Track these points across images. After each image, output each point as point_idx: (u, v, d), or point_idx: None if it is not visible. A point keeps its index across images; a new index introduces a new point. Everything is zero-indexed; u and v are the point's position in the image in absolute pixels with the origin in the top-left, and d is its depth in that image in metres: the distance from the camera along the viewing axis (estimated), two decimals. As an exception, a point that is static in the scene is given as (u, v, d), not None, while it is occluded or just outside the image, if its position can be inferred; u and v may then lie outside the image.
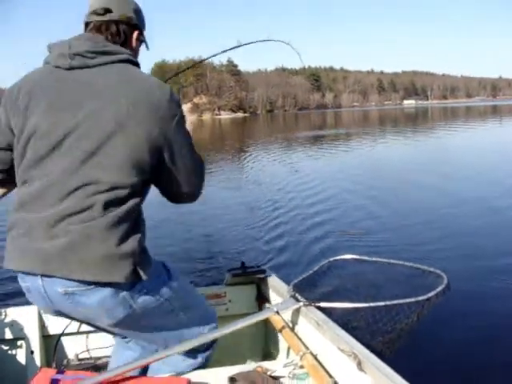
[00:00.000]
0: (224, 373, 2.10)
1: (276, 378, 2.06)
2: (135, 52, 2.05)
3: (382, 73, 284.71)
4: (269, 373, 2.10)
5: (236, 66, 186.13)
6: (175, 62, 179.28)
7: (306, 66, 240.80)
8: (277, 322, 2.49)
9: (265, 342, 3.00)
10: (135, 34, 2.02)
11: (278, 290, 2.75)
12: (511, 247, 6.28)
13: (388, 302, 2.41)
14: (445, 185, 11.11)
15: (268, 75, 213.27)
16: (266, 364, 2.20)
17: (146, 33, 2.13)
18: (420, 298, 2.47)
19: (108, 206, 1.73)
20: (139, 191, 1.82)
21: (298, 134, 34.60)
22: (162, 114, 1.80)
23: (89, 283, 1.74)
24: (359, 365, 1.92)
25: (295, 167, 15.39)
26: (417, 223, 7.65)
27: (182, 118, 1.89)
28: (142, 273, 1.82)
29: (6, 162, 1.95)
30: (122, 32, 1.95)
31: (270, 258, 6.14)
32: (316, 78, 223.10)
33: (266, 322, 2.41)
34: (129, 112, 1.74)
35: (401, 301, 2.45)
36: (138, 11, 2.03)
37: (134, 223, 1.81)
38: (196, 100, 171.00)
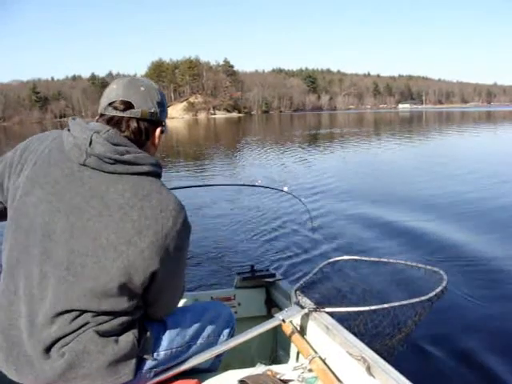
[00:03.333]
0: (234, 376, 2.11)
1: (285, 382, 2.06)
2: (156, 148, 1.89)
3: (378, 76, 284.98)
4: (278, 376, 2.10)
5: (232, 66, 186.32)
6: (172, 61, 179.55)
7: (303, 68, 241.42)
8: (285, 326, 2.50)
9: (274, 346, 3.00)
10: (158, 130, 1.84)
11: (286, 293, 2.77)
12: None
13: (391, 304, 2.43)
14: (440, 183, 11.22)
15: (264, 76, 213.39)
16: (276, 368, 2.21)
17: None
18: (422, 298, 2.48)
19: (98, 322, 1.68)
20: (132, 306, 1.74)
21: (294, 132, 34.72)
22: (168, 245, 1.67)
23: None
24: (368, 369, 1.93)
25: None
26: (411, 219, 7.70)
27: (186, 247, 1.79)
28: (146, 355, 1.83)
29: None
30: (143, 130, 1.77)
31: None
32: (312, 79, 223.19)
33: (275, 327, 2.43)
34: (132, 240, 1.61)
35: (403, 302, 2.46)
36: (161, 103, 1.82)
37: (129, 321, 1.76)
38: (191, 99, 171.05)
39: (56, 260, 1.63)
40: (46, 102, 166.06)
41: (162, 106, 1.83)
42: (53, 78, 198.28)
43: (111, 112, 1.73)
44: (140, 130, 1.76)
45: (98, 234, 1.61)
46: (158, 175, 1.75)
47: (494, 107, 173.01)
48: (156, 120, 1.80)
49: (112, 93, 1.76)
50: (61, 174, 1.66)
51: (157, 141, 1.85)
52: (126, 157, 1.65)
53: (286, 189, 3.84)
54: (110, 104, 1.74)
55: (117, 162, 1.64)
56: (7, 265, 1.71)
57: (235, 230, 7.40)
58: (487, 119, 57.25)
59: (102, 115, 1.76)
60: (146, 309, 1.86)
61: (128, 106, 1.73)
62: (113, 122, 1.73)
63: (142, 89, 1.77)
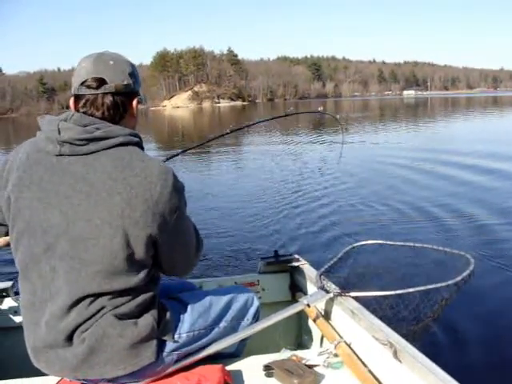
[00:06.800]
0: (259, 361, 2.11)
1: (311, 367, 2.06)
2: (135, 119, 1.86)
3: (383, 63, 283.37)
4: (303, 361, 2.10)
5: (236, 55, 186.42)
6: (177, 51, 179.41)
7: (308, 56, 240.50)
8: (310, 311, 2.49)
9: (298, 331, 2.99)
10: (135, 101, 1.81)
11: (311, 278, 2.75)
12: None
13: (416, 289, 2.42)
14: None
15: (269, 64, 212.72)
16: (301, 353, 2.20)
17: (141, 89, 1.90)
18: (449, 283, 2.46)
19: (115, 305, 1.70)
20: (145, 279, 1.74)
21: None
22: (162, 210, 1.66)
23: (122, 377, 1.76)
24: (395, 354, 1.92)
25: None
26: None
27: (183, 206, 1.77)
28: (167, 337, 1.84)
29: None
30: (120, 104, 1.74)
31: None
32: (317, 67, 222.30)
33: (300, 311, 2.42)
34: (124, 213, 1.61)
35: (429, 286, 2.44)
36: (133, 74, 1.79)
37: (146, 301, 1.77)
38: (196, 88, 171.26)
39: (60, 252, 1.65)
40: (52, 92, 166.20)
41: (135, 76, 1.80)
42: (59, 69, 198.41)
43: (85, 91, 1.71)
44: (117, 105, 1.74)
45: (91, 215, 1.61)
46: (136, 144, 1.73)
47: (500, 92, 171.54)
48: (131, 91, 1.78)
49: (82, 71, 1.73)
50: (43, 170, 1.66)
51: (135, 112, 1.83)
52: (97, 133, 1.64)
53: (320, 108, 3.78)
54: (82, 83, 1.71)
55: (88, 141, 1.63)
56: (21, 271, 1.75)
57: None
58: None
59: (76, 96, 1.74)
60: (165, 272, 1.90)
61: (101, 82, 1.70)
62: (89, 101, 1.71)
63: (112, 62, 1.74)
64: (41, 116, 1.75)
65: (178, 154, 3.41)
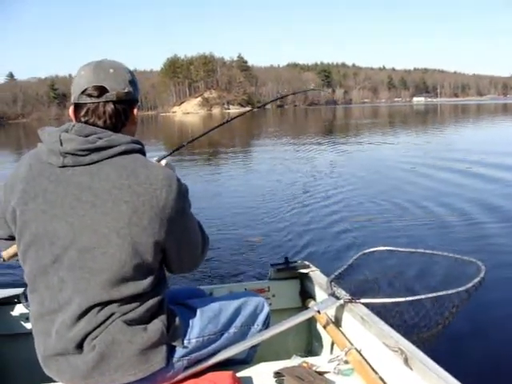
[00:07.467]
0: (269, 367, 2.11)
1: (321, 374, 2.05)
2: (136, 125, 1.86)
3: (393, 70, 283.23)
4: (314, 368, 2.09)
5: (246, 61, 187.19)
6: (187, 58, 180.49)
7: (318, 62, 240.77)
8: (320, 318, 2.49)
9: (309, 338, 2.99)
10: (135, 109, 1.82)
11: (321, 284, 2.75)
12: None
13: (427, 295, 2.41)
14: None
15: (279, 71, 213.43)
16: (311, 359, 2.20)
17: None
18: (459, 289, 2.45)
19: (124, 311, 1.70)
20: (153, 283, 1.74)
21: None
22: (168, 215, 1.67)
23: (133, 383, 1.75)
24: (406, 361, 1.90)
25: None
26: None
27: (188, 208, 1.78)
28: (176, 343, 1.84)
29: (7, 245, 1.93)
30: (121, 112, 1.75)
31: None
32: (327, 74, 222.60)
33: (310, 318, 2.41)
34: (131, 221, 1.61)
35: (440, 293, 2.43)
36: (132, 82, 1.80)
37: (155, 306, 1.77)
38: (206, 95, 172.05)
39: (68, 263, 1.65)
40: (63, 98, 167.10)
41: (134, 84, 1.80)
42: (70, 75, 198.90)
43: (86, 100, 1.71)
44: (118, 113, 1.73)
45: (98, 224, 1.61)
46: (139, 151, 1.73)
47: (510, 99, 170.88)
48: (131, 99, 1.78)
49: (82, 80, 1.72)
50: (47, 182, 1.66)
51: (135, 119, 1.83)
52: (99, 143, 1.63)
53: (312, 85, 3.77)
54: (83, 92, 1.71)
55: (91, 151, 1.63)
56: (29, 282, 1.75)
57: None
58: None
59: (76, 105, 1.74)
60: (173, 272, 1.90)
61: (102, 90, 1.70)
62: (90, 109, 1.71)
63: (112, 71, 1.74)
64: (40, 128, 1.75)
65: (178, 149, 3.40)
